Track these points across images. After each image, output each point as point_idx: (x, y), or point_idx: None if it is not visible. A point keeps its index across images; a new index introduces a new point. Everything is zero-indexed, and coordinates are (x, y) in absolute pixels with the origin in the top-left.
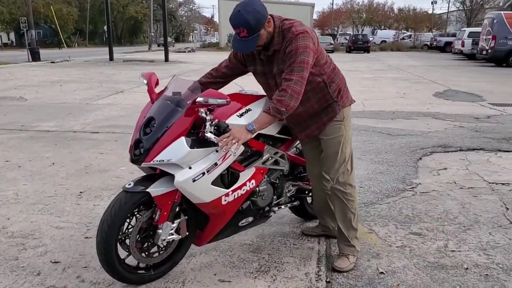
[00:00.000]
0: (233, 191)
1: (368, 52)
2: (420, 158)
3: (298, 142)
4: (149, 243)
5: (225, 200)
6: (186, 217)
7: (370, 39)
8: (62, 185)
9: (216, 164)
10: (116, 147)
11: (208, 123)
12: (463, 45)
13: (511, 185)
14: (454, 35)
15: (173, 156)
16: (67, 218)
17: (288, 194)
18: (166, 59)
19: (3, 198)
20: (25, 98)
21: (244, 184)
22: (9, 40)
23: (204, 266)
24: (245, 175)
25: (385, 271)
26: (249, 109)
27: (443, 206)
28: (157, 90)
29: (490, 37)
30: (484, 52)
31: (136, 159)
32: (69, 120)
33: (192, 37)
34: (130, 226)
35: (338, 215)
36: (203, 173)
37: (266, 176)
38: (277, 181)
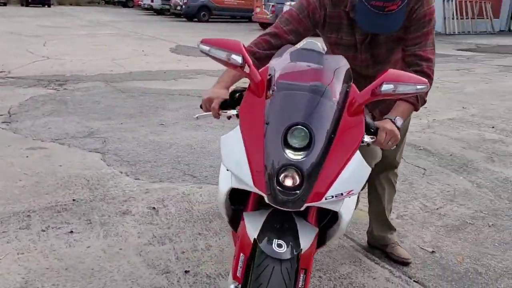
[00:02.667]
0: None
1: (49, 6)
2: None
3: None
4: None
5: None
6: None
7: None
8: None
9: None
10: None
11: None
12: (152, 1)
13: None
14: None
15: (354, 184)
16: None
17: None
18: None
19: None
20: None
21: None
22: None
23: None
24: None
25: (433, 249)
26: None
27: None
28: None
29: None
30: (179, 8)
31: (289, 200)
32: None
33: None
34: None
35: (387, 201)
36: (358, 196)
37: None
38: None
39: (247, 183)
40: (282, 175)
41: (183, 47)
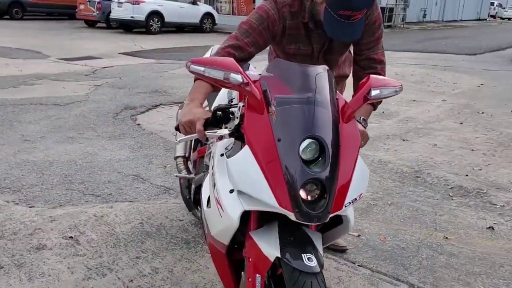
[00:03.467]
0: None
1: None
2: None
3: None
4: None
5: None
6: None
7: None
8: None
9: None
10: None
11: None
12: None
13: None
14: None
15: (362, 187)
16: None
17: None
18: None
19: None
20: None
21: None
22: None
23: None
24: None
25: (358, 233)
26: None
27: None
28: None
29: None
30: None
31: (316, 215)
32: None
33: None
34: None
35: None
36: None
37: None
38: None
39: (270, 204)
40: (305, 190)
41: (4, 48)
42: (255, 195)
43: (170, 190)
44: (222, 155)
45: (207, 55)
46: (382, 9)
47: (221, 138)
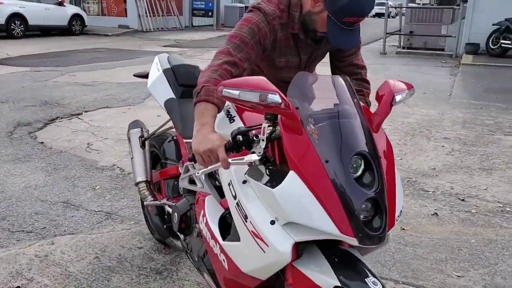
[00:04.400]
0: None
1: None
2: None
3: None
4: None
5: None
6: None
7: None
8: None
9: None
10: None
11: None
12: None
13: None
14: None
15: (403, 196)
16: None
17: None
18: None
19: None
20: None
21: None
22: None
23: None
24: None
25: None
26: None
27: None
28: None
29: None
30: None
31: (375, 236)
32: None
33: None
34: None
35: None
36: None
37: None
38: None
39: (329, 232)
40: (363, 212)
41: None
42: (312, 225)
43: (111, 214)
44: (244, 182)
45: (158, 66)
46: None
47: (251, 165)
